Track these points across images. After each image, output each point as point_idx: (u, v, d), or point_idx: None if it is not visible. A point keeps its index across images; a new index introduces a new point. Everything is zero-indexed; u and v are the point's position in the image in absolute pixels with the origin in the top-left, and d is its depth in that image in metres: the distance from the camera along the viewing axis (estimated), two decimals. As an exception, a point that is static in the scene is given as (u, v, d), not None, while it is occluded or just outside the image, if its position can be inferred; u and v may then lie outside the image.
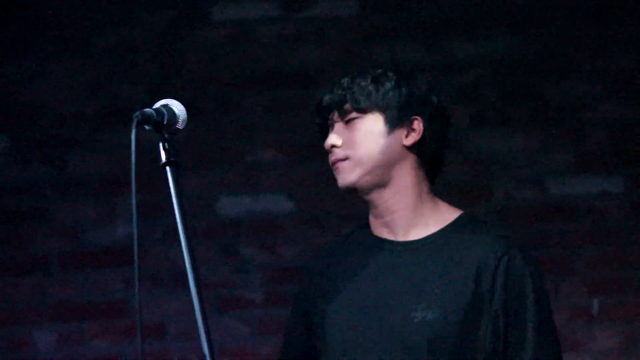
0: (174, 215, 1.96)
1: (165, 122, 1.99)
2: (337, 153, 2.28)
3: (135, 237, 1.97)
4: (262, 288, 4.25)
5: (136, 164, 1.92)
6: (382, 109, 2.26)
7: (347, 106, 2.27)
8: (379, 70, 2.31)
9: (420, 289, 2.21)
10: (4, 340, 4.22)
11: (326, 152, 4.30)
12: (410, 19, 4.34)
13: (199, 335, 1.88)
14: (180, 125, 2.02)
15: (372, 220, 2.31)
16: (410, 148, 2.27)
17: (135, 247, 1.99)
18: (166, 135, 1.99)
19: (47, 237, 4.26)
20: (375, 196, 2.27)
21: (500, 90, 4.33)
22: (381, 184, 2.26)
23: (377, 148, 2.25)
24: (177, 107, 2.03)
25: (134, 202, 1.93)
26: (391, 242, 2.28)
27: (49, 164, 4.31)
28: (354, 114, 2.27)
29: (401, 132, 2.27)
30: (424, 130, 2.28)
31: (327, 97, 2.31)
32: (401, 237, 2.27)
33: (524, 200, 4.28)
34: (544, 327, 2.21)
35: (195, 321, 1.88)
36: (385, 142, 2.25)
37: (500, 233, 2.25)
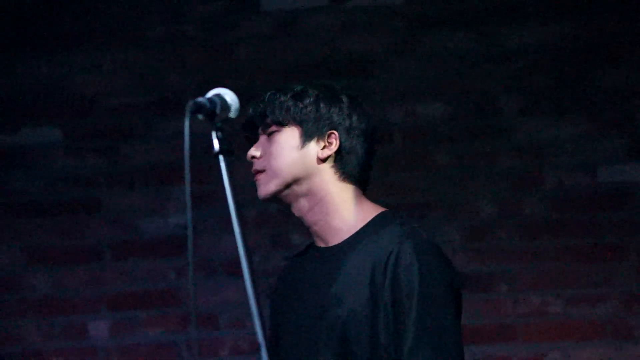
0: (227, 204, 1.97)
1: (217, 112, 2.00)
2: (256, 164, 2.35)
3: (190, 226, 1.98)
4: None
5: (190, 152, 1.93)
6: (299, 123, 2.33)
7: (268, 120, 2.34)
8: (301, 87, 2.38)
9: (334, 290, 2.26)
10: (59, 329, 4.26)
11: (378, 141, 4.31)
12: (459, 7, 4.32)
13: (252, 324, 1.89)
14: (232, 115, 2.04)
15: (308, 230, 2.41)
16: (327, 160, 2.33)
17: (190, 236, 2.00)
18: (218, 125, 2.00)
19: (101, 227, 4.30)
20: (296, 207, 2.34)
21: (551, 77, 4.30)
22: (300, 195, 2.32)
23: (291, 160, 2.31)
24: (230, 96, 2.04)
25: (188, 191, 1.93)
26: (321, 249, 2.35)
27: (102, 155, 4.34)
28: (273, 127, 2.33)
29: (317, 146, 2.33)
30: (341, 144, 2.34)
31: (250, 111, 2.37)
32: (326, 244, 2.34)
33: (575, 187, 4.25)
34: (428, 322, 2.18)
35: (248, 310, 1.89)
36: (300, 155, 2.32)
37: (403, 227, 2.26)
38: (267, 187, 2.32)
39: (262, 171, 2.33)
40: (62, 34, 4.39)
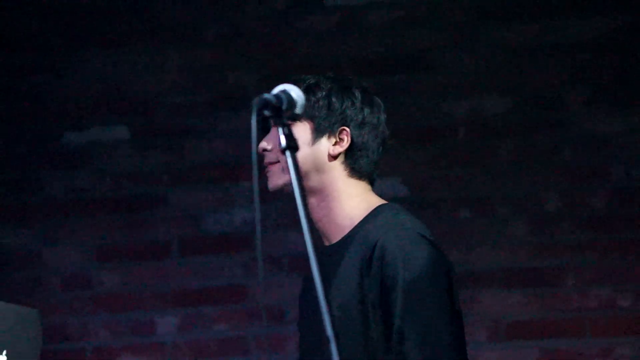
0: (291, 199, 1.97)
1: (284, 107, 2.00)
2: (267, 157, 2.33)
3: (258, 221, 1.99)
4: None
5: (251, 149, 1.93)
6: (311, 118, 2.32)
7: (274, 117, 2.22)
8: (313, 80, 2.37)
9: (331, 288, 2.23)
10: (126, 325, 4.30)
11: (439, 136, 4.29)
12: (521, -1, 4.30)
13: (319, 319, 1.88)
14: (298, 110, 2.03)
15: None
16: (338, 157, 2.32)
17: (258, 231, 2.00)
18: (285, 120, 2.00)
19: (167, 224, 4.33)
20: (308, 198, 2.30)
21: (615, 69, 4.25)
22: (309, 190, 2.30)
23: (302, 156, 2.22)
24: (295, 92, 2.03)
25: (256, 187, 1.93)
26: (325, 248, 2.32)
27: (167, 152, 4.38)
28: (282, 123, 2.25)
29: (328, 142, 2.32)
30: (353, 140, 2.32)
31: (261, 102, 2.25)
32: (333, 241, 2.32)
33: (642, 180, 4.21)
34: (415, 313, 2.14)
35: (316, 304, 1.89)
36: (311, 151, 2.30)
37: (389, 219, 2.22)
38: (277, 180, 2.30)
39: (274, 163, 2.32)
40: (127, 34, 4.43)
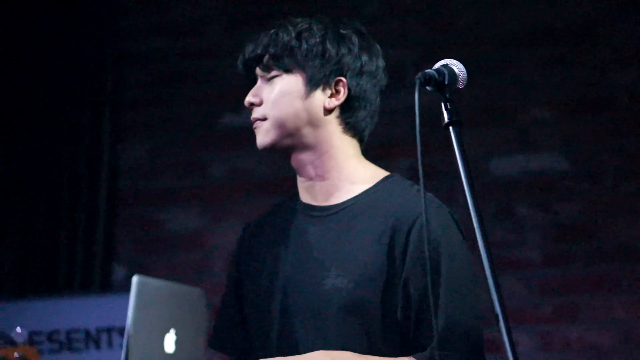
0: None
1: (446, 82, 1.98)
2: (256, 112, 2.16)
3: (424, 198, 1.96)
4: (539, 248, 4.18)
5: (411, 126, 1.89)
6: (303, 68, 2.13)
7: (269, 62, 2.15)
8: (305, 24, 2.17)
9: (333, 256, 2.09)
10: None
11: (602, 108, 4.18)
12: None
13: (488, 296, 1.86)
14: (460, 85, 2.01)
15: (298, 185, 2.20)
16: (333, 111, 2.15)
17: (424, 209, 1.98)
18: (447, 95, 1.98)
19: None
20: (296, 159, 2.16)
21: None
22: (302, 147, 2.14)
23: (294, 110, 2.12)
24: (457, 66, 2.01)
25: (420, 164, 1.91)
26: (312, 207, 2.16)
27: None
28: (274, 72, 2.14)
29: (323, 94, 2.15)
30: (350, 92, 2.15)
31: (249, 50, 2.16)
32: (322, 202, 2.15)
33: None
34: (457, 294, 2.04)
35: (482, 280, 1.86)
36: (304, 105, 2.13)
37: (420, 194, 1.99)
38: (267, 137, 2.14)
39: (262, 119, 2.15)
40: (284, 13, 4.46)
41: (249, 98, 2.17)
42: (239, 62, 2.22)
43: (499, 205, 4.22)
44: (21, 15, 4.49)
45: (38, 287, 4.29)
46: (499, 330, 1.79)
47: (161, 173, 4.45)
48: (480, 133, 4.21)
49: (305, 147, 2.16)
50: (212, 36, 4.49)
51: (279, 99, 2.14)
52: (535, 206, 4.21)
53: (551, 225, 4.18)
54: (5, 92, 4.46)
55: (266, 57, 2.17)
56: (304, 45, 2.15)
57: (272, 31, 2.19)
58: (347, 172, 2.17)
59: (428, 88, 1.98)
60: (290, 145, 2.16)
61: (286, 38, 2.15)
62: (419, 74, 1.96)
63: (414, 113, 1.87)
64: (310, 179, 2.17)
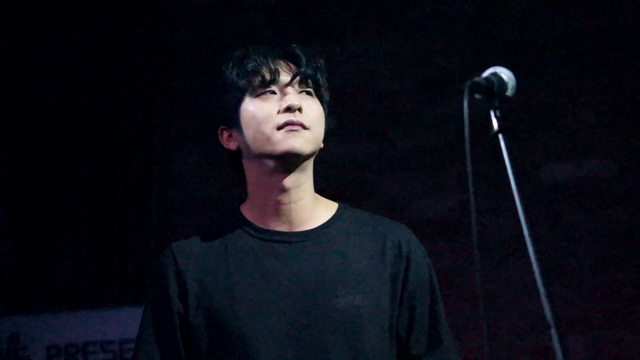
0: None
1: (495, 90, 1.98)
2: (299, 117, 2.14)
3: (473, 206, 1.97)
4: (589, 254, 4.16)
5: (459, 135, 1.90)
6: (322, 96, 2.22)
7: (310, 82, 2.19)
8: (321, 57, 2.22)
9: (335, 276, 2.13)
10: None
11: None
12: None
13: (538, 303, 1.85)
14: (510, 93, 2.01)
15: (258, 212, 2.20)
16: None
17: (474, 216, 1.98)
18: (496, 103, 1.98)
19: (376, 210, 4.34)
20: (296, 178, 2.16)
21: None
22: (307, 167, 2.18)
23: (317, 137, 2.17)
24: (506, 74, 2.01)
25: (470, 171, 1.92)
26: (287, 234, 2.17)
27: (373, 140, 4.41)
28: (310, 90, 2.19)
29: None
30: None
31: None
32: (296, 228, 2.17)
33: None
34: (442, 311, 2.23)
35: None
36: (321, 130, 2.19)
37: (390, 219, 2.22)
38: (307, 146, 2.14)
39: (305, 128, 2.14)
40: (333, 24, 4.49)
41: (297, 102, 2.16)
42: (269, 68, 2.20)
43: (549, 211, 4.21)
44: (76, 30, 4.55)
45: (91, 299, 4.34)
46: (551, 338, 1.79)
47: (211, 182, 4.48)
48: (529, 140, 4.20)
49: (307, 168, 2.20)
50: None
51: (320, 117, 2.19)
52: (585, 212, 4.18)
53: (601, 231, 4.16)
54: (57, 106, 4.53)
55: (313, 79, 2.21)
56: (324, 75, 2.22)
57: (316, 55, 2.22)
58: (314, 200, 2.22)
59: (477, 96, 1.98)
60: (307, 164, 2.19)
61: (321, 63, 2.22)
62: (468, 82, 1.96)
63: (463, 121, 1.88)
64: (293, 202, 2.18)
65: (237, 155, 2.25)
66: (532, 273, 1.84)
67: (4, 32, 4.67)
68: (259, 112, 2.16)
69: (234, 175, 2.27)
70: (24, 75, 4.63)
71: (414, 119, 4.36)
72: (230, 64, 2.24)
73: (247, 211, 2.23)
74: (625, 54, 4.20)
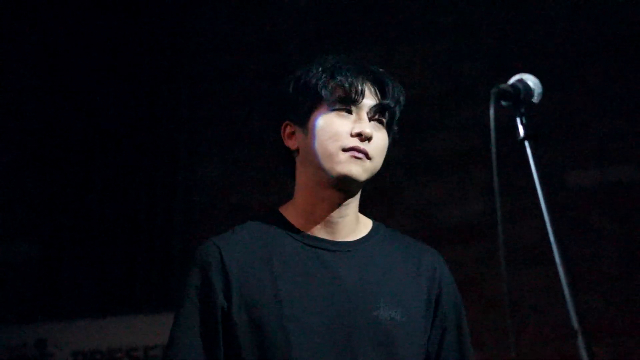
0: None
1: (521, 97, 1.98)
2: (366, 146, 2.16)
3: (499, 212, 1.97)
4: (616, 260, 4.14)
5: (483, 141, 1.90)
6: (391, 130, 2.26)
7: (387, 114, 2.22)
8: (398, 83, 2.25)
9: (377, 288, 2.17)
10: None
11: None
12: None
13: (563, 310, 1.84)
14: (535, 100, 2.00)
15: (303, 217, 2.22)
16: None
17: (500, 222, 1.98)
18: (522, 110, 1.97)
19: (401, 216, 4.35)
20: (350, 198, 2.20)
21: None
22: (358, 188, 2.22)
23: (380, 160, 2.21)
24: (533, 81, 2.01)
25: (495, 178, 1.92)
26: (330, 242, 2.20)
27: (401, 146, 4.39)
28: (383, 120, 2.22)
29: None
30: None
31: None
32: (342, 238, 2.21)
33: None
34: (465, 329, 2.28)
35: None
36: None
37: (424, 244, 2.30)
38: (364, 174, 2.17)
39: (368, 157, 2.17)
40: (358, 30, 4.49)
41: (369, 131, 2.18)
42: (355, 93, 2.22)
43: (575, 218, 4.19)
44: (105, 37, 4.58)
45: (117, 305, 4.35)
46: (576, 346, 1.78)
47: (235, 189, 4.49)
48: (556, 146, 4.19)
49: (360, 188, 2.24)
50: (286, 54, 4.53)
51: (384, 149, 2.23)
52: (612, 218, 4.17)
53: (628, 237, 4.14)
54: (85, 115, 4.56)
55: (388, 107, 2.24)
56: (401, 109, 2.27)
57: (393, 82, 2.27)
58: (357, 213, 2.27)
59: (503, 103, 1.98)
60: (359, 186, 2.23)
61: (403, 98, 2.26)
62: (494, 88, 1.96)
63: (489, 127, 1.88)
64: (343, 215, 2.23)
65: (292, 153, 2.27)
66: (557, 279, 1.84)
67: (38, 39, 4.71)
68: (331, 128, 2.18)
69: (282, 171, 2.29)
70: (53, 84, 4.66)
71: (440, 125, 4.35)
72: (320, 69, 2.23)
73: (291, 215, 2.25)
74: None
